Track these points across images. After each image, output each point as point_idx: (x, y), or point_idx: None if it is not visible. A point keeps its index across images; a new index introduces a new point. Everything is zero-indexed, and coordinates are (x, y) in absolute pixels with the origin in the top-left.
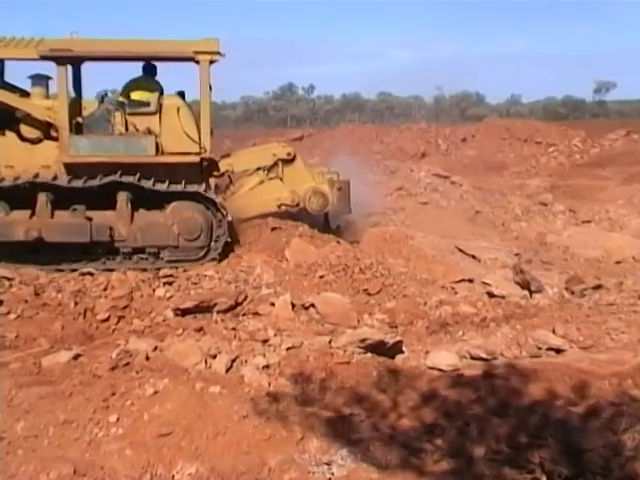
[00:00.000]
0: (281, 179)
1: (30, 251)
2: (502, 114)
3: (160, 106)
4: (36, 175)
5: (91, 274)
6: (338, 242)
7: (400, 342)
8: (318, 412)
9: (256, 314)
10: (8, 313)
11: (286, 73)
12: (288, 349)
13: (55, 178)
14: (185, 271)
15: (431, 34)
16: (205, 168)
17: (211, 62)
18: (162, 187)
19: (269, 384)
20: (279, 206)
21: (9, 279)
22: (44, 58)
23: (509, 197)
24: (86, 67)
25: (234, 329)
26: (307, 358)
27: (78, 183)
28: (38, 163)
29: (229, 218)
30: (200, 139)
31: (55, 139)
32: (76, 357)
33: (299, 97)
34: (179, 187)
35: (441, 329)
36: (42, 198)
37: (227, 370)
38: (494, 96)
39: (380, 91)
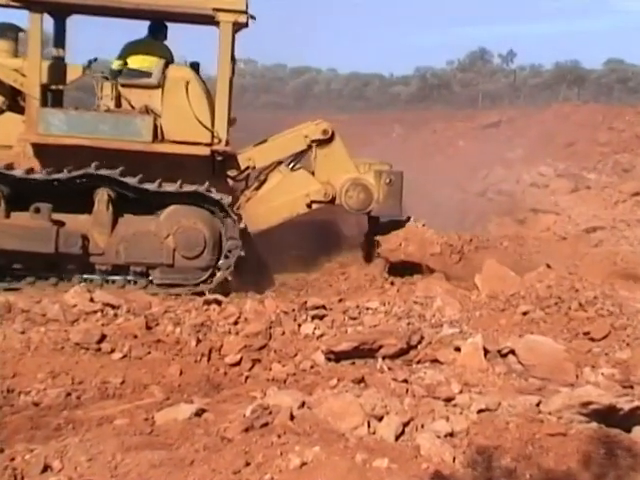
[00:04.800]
0: (313, 173)
1: None
2: None
3: (165, 78)
4: None
5: (218, 303)
6: (549, 266)
7: (639, 409)
8: None
9: (435, 362)
10: (112, 351)
11: (477, 35)
12: (480, 412)
13: (10, 166)
14: (341, 301)
15: None
16: (219, 165)
17: (235, 25)
18: (154, 186)
19: (454, 459)
20: (309, 204)
21: (114, 307)
22: (15, 1)
23: None
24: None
25: (406, 381)
26: (506, 425)
27: (38, 175)
28: None
29: (242, 225)
30: (214, 126)
31: (22, 111)
32: (199, 413)
33: (494, 67)
34: (177, 186)
35: None
36: None
37: (397, 437)
38: None
39: (608, 58)
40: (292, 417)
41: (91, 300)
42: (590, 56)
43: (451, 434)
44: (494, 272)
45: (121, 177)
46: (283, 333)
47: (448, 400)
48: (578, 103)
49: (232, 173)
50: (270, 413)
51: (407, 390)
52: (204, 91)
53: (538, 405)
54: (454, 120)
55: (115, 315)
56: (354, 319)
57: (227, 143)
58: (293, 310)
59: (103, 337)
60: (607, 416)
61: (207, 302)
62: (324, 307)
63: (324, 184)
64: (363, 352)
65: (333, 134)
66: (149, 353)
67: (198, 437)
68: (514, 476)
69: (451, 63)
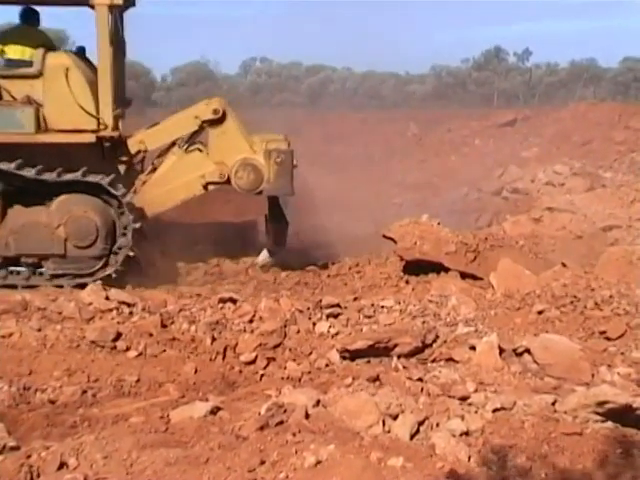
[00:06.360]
0: (200, 150)
1: None
2: None
3: (44, 66)
4: None
5: (233, 301)
6: (564, 265)
7: None
8: None
9: (450, 360)
10: (127, 349)
11: (492, 34)
12: (495, 411)
13: None
14: (356, 300)
15: None
16: (108, 150)
17: (112, 7)
18: (38, 175)
19: (469, 458)
20: (205, 186)
21: (129, 305)
22: None
23: None
24: None
25: (421, 380)
26: (522, 424)
27: None
28: None
29: (132, 221)
30: (98, 112)
31: None
32: (214, 411)
33: (510, 66)
34: (66, 176)
35: None
36: None
37: (412, 436)
38: None
39: (625, 56)
40: (307, 415)
41: (107, 298)
42: (606, 54)
43: (466, 433)
44: (509, 271)
45: (5, 168)
46: (298, 332)
47: (463, 399)
48: (594, 101)
49: (124, 157)
50: (285, 411)
51: (422, 389)
52: (88, 77)
53: (554, 404)
54: (469, 119)
55: (130, 313)
56: (369, 318)
57: (114, 128)
58: (308, 309)
59: (119, 335)
60: (623, 416)
61: (222, 300)
62: (339, 306)
63: (219, 165)
64: (378, 351)
65: (224, 114)
66: (164, 351)
67: (213, 435)
68: (529, 475)
69: (466, 61)
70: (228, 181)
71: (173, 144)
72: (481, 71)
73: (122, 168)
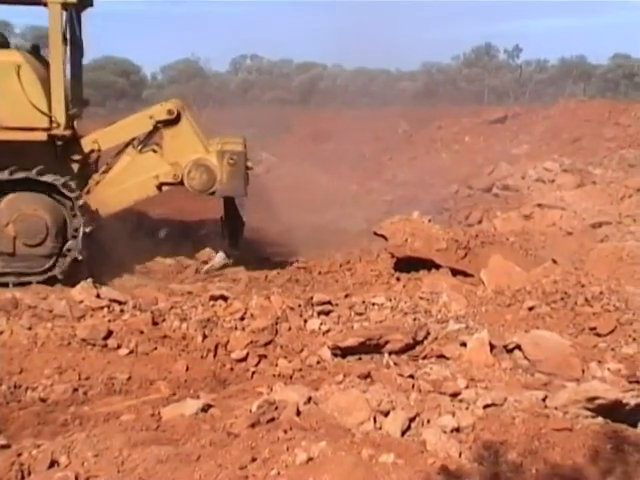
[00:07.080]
0: (155, 151)
1: None
2: None
3: None
4: None
5: (224, 298)
6: (554, 261)
7: None
8: None
9: (441, 357)
10: (118, 347)
11: (482, 31)
12: (486, 407)
13: None
14: (347, 297)
15: None
16: (62, 149)
17: (66, 6)
18: None
19: (460, 454)
20: (159, 186)
21: (120, 303)
22: None
23: None
24: None
25: (412, 377)
26: (512, 420)
27: None
28: None
29: (82, 220)
30: (51, 110)
31: None
32: (205, 408)
33: (500, 63)
34: (20, 174)
35: None
36: None
37: (403, 432)
38: None
39: (615, 53)
40: (298, 412)
41: (97, 296)
42: (596, 51)
43: (457, 429)
44: (500, 267)
45: None
46: (289, 329)
47: (454, 395)
48: (584, 98)
49: (77, 157)
50: (276, 408)
51: (413, 385)
52: (41, 75)
53: (544, 400)
54: (460, 116)
55: (121, 311)
56: (360, 315)
57: (68, 127)
58: (299, 306)
59: (109, 333)
60: (613, 411)
61: (213, 298)
62: (330, 303)
63: (173, 165)
64: (369, 347)
65: (179, 114)
66: (155, 349)
67: (204, 432)
68: (520, 471)
69: (457, 58)
70: (182, 182)
71: (128, 144)
72: (471, 68)
73: (75, 167)
